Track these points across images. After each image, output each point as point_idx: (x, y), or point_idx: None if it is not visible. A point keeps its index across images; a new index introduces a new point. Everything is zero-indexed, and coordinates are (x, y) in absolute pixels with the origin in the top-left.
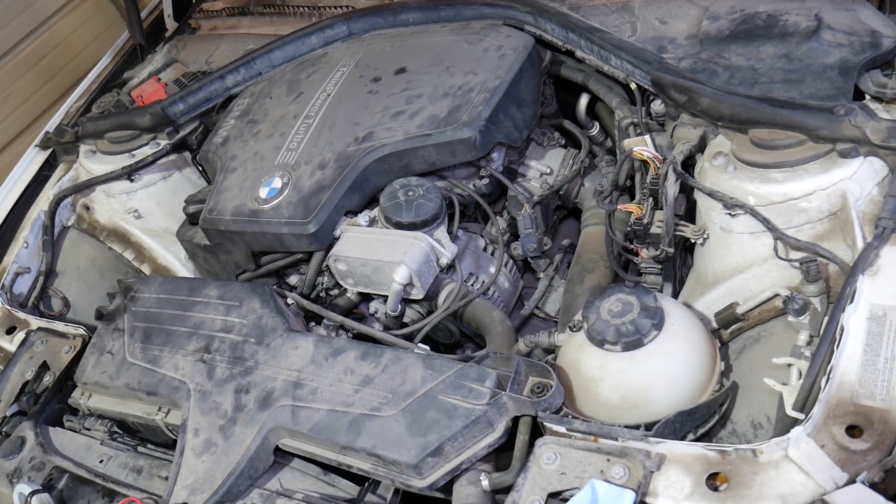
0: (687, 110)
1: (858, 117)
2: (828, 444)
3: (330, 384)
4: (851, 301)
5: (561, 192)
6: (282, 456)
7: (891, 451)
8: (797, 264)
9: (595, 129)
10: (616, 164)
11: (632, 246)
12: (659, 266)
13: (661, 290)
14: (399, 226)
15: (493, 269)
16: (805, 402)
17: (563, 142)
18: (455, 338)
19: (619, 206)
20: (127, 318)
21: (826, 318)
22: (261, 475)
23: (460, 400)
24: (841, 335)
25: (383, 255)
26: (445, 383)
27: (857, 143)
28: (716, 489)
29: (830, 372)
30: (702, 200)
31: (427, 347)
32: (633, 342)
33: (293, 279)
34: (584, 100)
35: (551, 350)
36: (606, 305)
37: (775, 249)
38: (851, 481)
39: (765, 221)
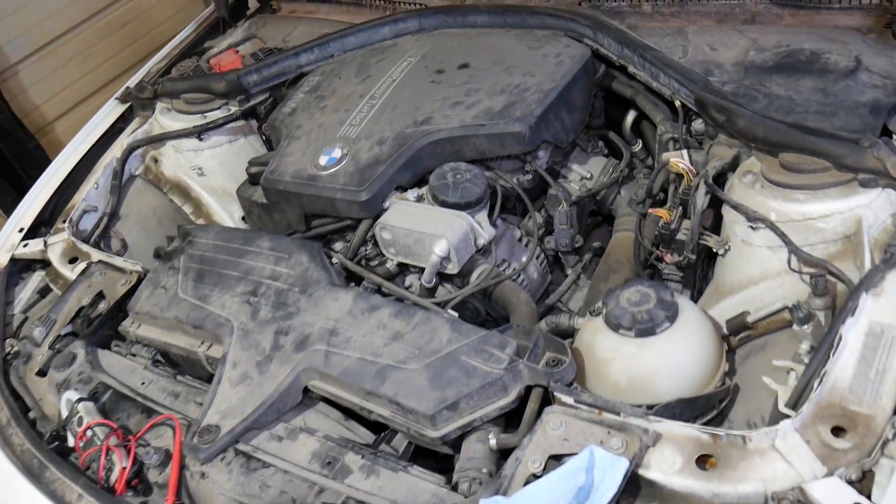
0: (724, 130)
1: (881, 151)
2: (813, 440)
3: (363, 335)
4: (853, 315)
5: (598, 198)
6: (309, 399)
7: (870, 453)
8: (807, 278)
9: (638, 146)
10: (652, 174)
11: (657, 251)
12: (680, 273)
13: None
14: (444, 204)
15: (525, 259)
16: (797, 401)
17: (605, 151)
18: (482, 318)
19: (650, 210)
20: (183, 259)
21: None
22: (288, 410)
23: (480, 363)
24: (838, 344)
25: (426, 227)
26: (469, 346)
27: (877, 175)
28: (704, 470)
29: (824, 376)
30: (727, 214)
31: (455, 314)
32: (646, 329)
33: (338, 245)
34: (630, 116)
35: (570, 333)
36: (626, 294)
37: (789, 262)
38: (830, 475)
39: (782, 236)
